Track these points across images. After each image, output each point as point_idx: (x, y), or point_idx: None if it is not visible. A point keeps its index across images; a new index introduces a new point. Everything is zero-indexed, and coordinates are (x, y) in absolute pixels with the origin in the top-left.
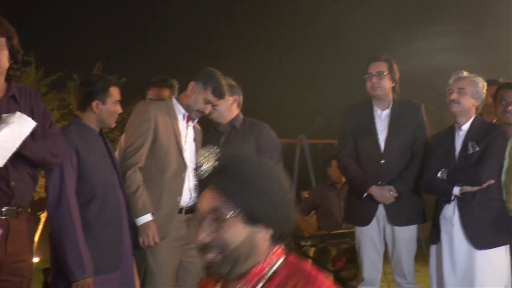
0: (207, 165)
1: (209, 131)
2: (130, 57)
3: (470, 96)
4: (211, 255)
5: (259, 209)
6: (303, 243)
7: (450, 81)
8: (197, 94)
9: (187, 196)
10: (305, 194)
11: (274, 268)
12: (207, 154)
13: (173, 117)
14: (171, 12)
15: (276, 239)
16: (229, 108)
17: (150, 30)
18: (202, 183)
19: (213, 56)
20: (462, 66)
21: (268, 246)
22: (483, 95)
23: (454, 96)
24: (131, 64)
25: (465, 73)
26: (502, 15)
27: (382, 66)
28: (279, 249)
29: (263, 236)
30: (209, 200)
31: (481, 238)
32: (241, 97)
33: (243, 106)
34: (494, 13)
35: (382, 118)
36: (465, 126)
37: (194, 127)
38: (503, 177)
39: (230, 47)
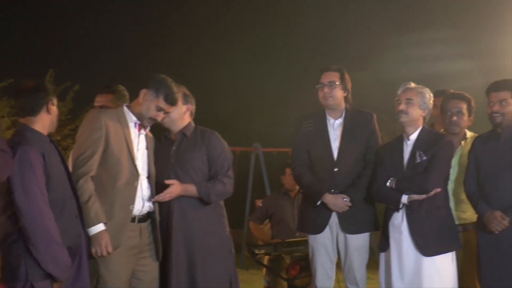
0: None
1: (160, 140)
2: (83, 64)
3: (417, 106)
4: None
5: None
6: (257, 251)
7: (398, 92)
8: (149, 101)
9: (139, 204)
10: (259, 202)
11: None
12: None
13: (125, 125)
14: (123, 18)
15: None
16: (181, 116)
17: (104, 36)
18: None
19: (166, 63)
20: (453, 72)
21: None
22: (430, 106)
23: (402, 106)
24: (84, 71)
25: (412, 84)
26: (498, 20)
27: (334, 76)
28: None
29: None
30: None
31: (428, 245)
32: (194, 107)
33: (198, 113)
34: (488, 19)
35: (335, 127)
36: (413, 136)
37: (146, 135)
38: (452, 186)
39: (184, 54)
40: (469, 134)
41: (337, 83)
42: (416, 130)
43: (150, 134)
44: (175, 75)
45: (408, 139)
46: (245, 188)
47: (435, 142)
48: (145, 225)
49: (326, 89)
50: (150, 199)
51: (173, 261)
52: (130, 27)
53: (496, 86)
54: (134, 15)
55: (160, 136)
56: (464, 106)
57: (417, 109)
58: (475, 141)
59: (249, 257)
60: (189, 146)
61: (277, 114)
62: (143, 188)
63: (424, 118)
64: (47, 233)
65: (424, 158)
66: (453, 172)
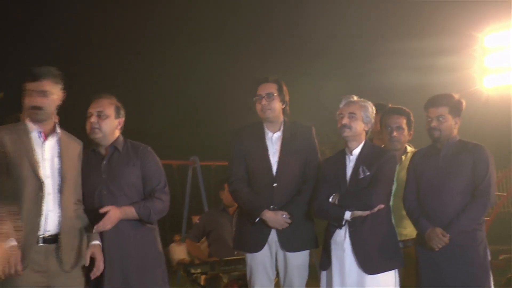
0: None
1: (88, 153)
2: (8, 71)
3: (360, 120)
4: None
5: None
6: (193, 270)
7: (341, 105)
8: (24, 97)
9: (46, 219)
10: (196, 219)
11: None
12: None
13: (25, 136)
14: (50, 25)
15: None
16: (113, 131)
17: (30, 44)
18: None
19: (99, 71)
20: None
21: None
22: (373, 120)
23: (345, 120)
24: (9, 78)
25: (355, 97)
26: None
27: (272, 88)
28: None
29: None
30: None
31: (371, 263)
32: (123, 119)
33: (131, 124)
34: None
35: (273, 140)
36: (356, 151)
37: (59, 142)
38: (392, 201)
39: (117, 61)
40: (409, 149)
41: (275, 94)
42: (359, 144)
43: (73, 141)
44: (108, 85)
45: (351, 154)
46: (182, 204)
47: (378, 157)
48: (54, 247)
49: (264, 101)
50: (59, 217)
51: (107, 282)
52: (58, 35)
53: (434, 102)
54: (63, 25)
55: (87, 150)
56: (403, 121)
57: (360, 123)
58: (415, 156)
59: (185, 276)
60: (121, 161)
61: (216, 126)
62: (49, 201)
63: (367, 132)
64: None
65: (368, 173)
66: (394, 188)
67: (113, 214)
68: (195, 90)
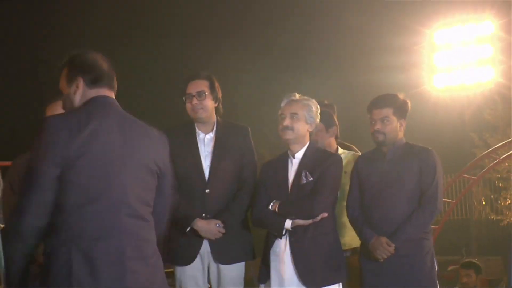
0: None
1: None
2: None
3: (303, 121)
4: None
5: None
6: None
7: (282, 104)
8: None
9: None
10: None
11: None
12: None
13: None
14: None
15: None
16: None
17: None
18: None
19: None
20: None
21: None
22: (317, 119)
23: (287, 122)
24: None
25: (297, 96)
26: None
27: (203, 85)
28: None
29: None
30: None
31: (313, 276)
32: None
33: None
34: None
35: (205, 142)
36: (299, 154)
37: None
38: (336, 209)
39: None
40: (340, 150)
41: (206, 93)
42: (302, 147)
43: None
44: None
45: (294, 157)
46: None
47: (322, 161)
48: None
49: (194, 100)
50: None
51: None
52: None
53: (377, 103)
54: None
55: None
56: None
57: (303, 124)
58: (358, 160)
59: None
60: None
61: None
62: None
63: (311, 134)
64: None
65: (311, 179)
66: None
67: None
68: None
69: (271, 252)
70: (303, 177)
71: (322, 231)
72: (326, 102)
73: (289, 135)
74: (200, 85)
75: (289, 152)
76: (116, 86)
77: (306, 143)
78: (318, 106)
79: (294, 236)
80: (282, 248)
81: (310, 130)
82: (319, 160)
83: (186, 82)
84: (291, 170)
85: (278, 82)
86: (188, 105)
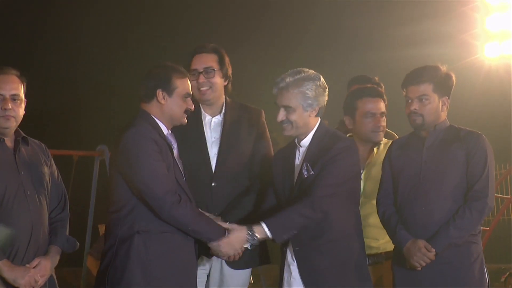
0: None
1: None
2: None
3: (300, 111)
4: None
5: None
6: None
7: (273, 92)
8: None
9: None
10: (103, 229)
11: None
12: None
13: None
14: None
15: None
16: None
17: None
18: None
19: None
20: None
21: None
22: (321, 98)
23: (281, 116)
24: None
25: (287, 80)
26: None
27: (211, 60)
28: None
29: None
30: None
31: None
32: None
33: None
34: None
35: (213, 126)
36: (305, 142)
37: None
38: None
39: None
40: (384, 140)
41: (215, 69)
42: (308, 134)
43: None
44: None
45: (300, 146)
46: (86, 208)
47: (327, 149)
48: None
49: (201, 78)
50: None
51: None
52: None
53: (413, 78)
54: None
55: None
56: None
57: (300, 114)
58: (392, 147)
59: None
60: (34, 157)
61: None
62: None
63: (318, 114)
64: None
65: (312, 172)
66: (361, 188)
67: (44, 268)
68: (106, 65)
69: (285, 261)
70: (304, 170)
71: (330, 237)
72: (376, 79)
73: (288, 131)
74: (207, 60)
75: (296, 140)
76: None
77: (312, 129)
78: (320, 82)
79: (298, 244)
80: (290, 259)
81: (314, 114)
82: (325, 149)
83: (191, 56)
84: (298, 161)
85: (299, 58)
86: (193, 83)
